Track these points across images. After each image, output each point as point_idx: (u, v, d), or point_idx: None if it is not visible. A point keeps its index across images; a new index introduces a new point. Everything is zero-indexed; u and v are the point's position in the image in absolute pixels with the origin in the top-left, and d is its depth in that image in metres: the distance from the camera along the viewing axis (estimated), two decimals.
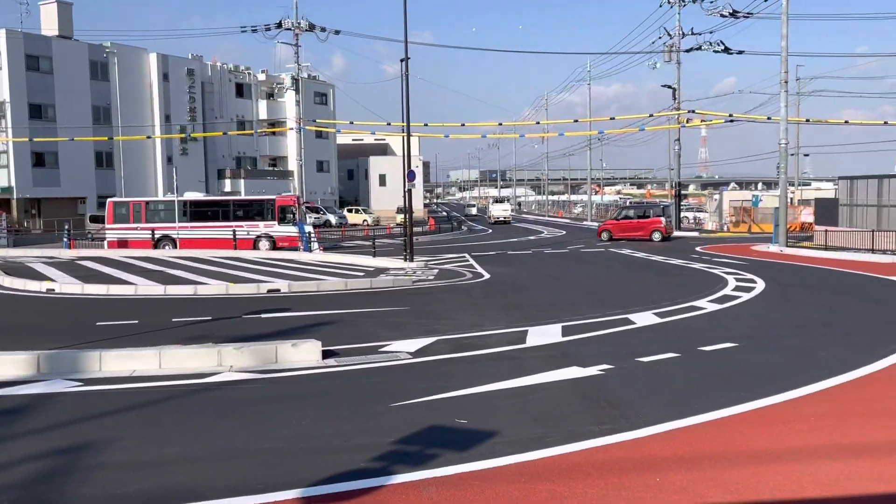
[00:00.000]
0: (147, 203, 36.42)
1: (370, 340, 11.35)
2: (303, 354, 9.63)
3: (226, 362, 9.30)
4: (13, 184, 50.95)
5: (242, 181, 64.03)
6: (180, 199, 34.29)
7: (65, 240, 34.93)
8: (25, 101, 51.16)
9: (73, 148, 51.02)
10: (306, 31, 44.77)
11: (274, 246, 33.40)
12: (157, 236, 33.62)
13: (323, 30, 44.82)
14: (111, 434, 6.79)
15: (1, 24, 52.99)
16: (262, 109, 69.40)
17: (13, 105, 50.54)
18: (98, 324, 13.38)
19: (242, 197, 42.44)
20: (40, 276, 21.89)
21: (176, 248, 33.52)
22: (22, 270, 24.14)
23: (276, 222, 33.96)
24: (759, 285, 18.48)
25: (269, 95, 70.41)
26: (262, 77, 69.75)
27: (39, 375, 8.83)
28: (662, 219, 38.79)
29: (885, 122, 50.95)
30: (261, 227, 33.97)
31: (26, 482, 5.58)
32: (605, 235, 39.97)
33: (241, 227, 33.57)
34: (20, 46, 50.89)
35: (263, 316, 14.21)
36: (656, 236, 37.88)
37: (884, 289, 18.05)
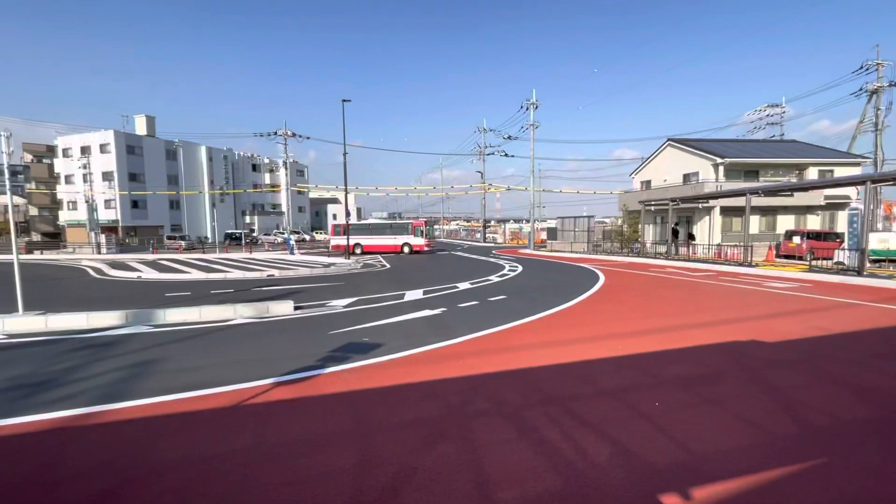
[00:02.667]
0: (348, 224, 31.54)
1: (321, 300, 10.92)
2: (283, 308, 9.14)
3: (238, 313, 8.69)
4: (119, 217, 45.15)
5: (256, 217, 59.97)
6: (365, 221, 31.93)
7: (150, 249, 31.26)
8: (126, 171, 45.35)
9: (155, 198, 46.10)
10: (290, 136, 42.57)
11: (412, 250, 29.87)
12: (353, 242, 30.04)
13: (300, 136, 42.83)
14: (164, 355, 6.19)
15: (112, 127, 46.69)
16: (266, 178, 65.09)
17: (118, 173, 44.80)
18: (166, 294, 12.11)
19: (396, 220, 36.39)
20: (132, 269, 19.52)
21: (362, 250, 29.81)
22: (122, 266, 21.42)
23: (412, 235, 30.48)
24: (520, 268, 19.30)
25: (271, 171, 65.97)
26: (266, 161, 65.50)
27: (127, 324, 7.93)
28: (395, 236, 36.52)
29: (578, 191, 55.00)
30: (403, 237, 30.52)
31: (113, 381, 4.98)
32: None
33: (395, 238, 30.37)
34: (122, 140, 45.23)
35: (263, 288, 13.34)
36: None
37: (574, 269, 19.26)
